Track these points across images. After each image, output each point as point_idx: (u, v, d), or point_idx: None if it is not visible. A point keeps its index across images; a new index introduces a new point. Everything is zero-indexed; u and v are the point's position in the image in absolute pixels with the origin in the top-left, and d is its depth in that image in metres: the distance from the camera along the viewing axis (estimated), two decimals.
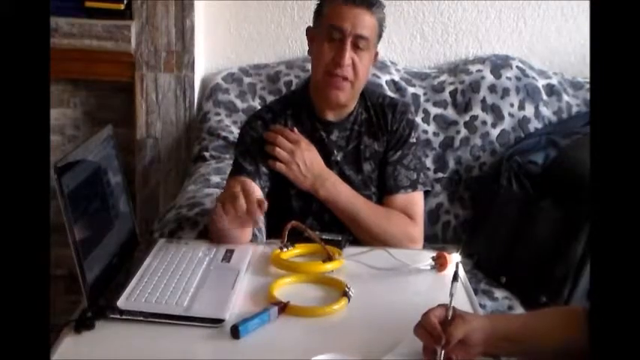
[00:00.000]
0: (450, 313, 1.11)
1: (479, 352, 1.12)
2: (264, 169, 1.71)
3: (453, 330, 1.09)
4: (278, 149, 1.68)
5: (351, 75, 1.67)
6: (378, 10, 1.68)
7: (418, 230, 1.74)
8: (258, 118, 1.79)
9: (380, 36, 1.73)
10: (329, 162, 1.75)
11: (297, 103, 1.78)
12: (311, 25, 1.76)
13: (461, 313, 1.13)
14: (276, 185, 1.73)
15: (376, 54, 1.75)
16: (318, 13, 1.72)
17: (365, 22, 1.66)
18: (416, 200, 1.76)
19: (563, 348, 1.12)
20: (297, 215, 1.70)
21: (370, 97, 1.81)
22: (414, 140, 1.79)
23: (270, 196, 1.73)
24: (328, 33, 1.67)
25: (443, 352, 1.08)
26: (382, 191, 1.76)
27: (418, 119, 2.41)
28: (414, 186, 1.76)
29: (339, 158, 1.76)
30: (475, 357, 1.12)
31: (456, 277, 1.18)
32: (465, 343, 1.10)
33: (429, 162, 2.39)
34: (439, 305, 1.14)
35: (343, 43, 1.65)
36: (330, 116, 1.76)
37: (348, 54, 1.65)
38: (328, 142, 1.76)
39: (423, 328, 1.11)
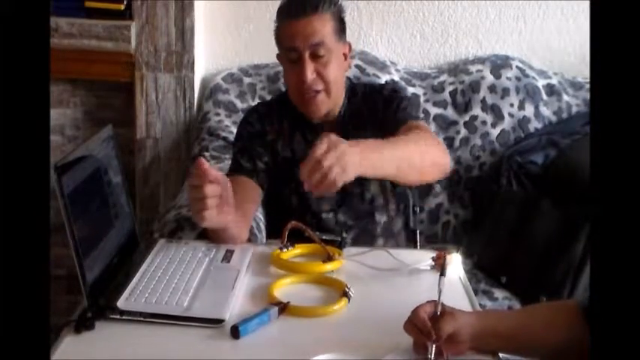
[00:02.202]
0: (439, 308, 1.12)
1: (468, 348, 1.13)
2: (261, 166, 1.70)
3: (442, 325, 1.10)
4: (307, 172, 1.33)
5: (321, 85, 1.65)
6: (326, 6, 1.64)
7: (434, 138, 1.64)
8: (255, 112, 1.79)
9: (342, 27, 1.70)
10: None
11: (287, 105, 1.76)
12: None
13: (450, 309, 1.13)
14: (273, 183, 1.72)
15: (349, 46, 1.73)
16: (276, 37, 1.71)
17: (315, 28, 1.62)
18: (425, 126, 1.71)
19: (557, 343, 1.13)
20: (295, 212, 1.69)
21: (356, 88, 1.79)
22: (405, 94, 1.79)
23: (269, 194, 1.73)
24: (286, 56, 1.67)
25: (434, 347, 1.08)
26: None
27: None
28: (417, 117, 1.74)
29: None
30: (464, 352, 1.13)
31: (443, 272, 1.20)
32: (454, 338, 1.11)
33: None
34: (428, 301, 1.14)
35: (301, 60, 1.63)
36: (316, 120, 1.74)
37: (309, 70, 1.62)
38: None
39: (413, 323, 1.11)
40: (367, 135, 1.71)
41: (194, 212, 1.39)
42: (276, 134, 1.75)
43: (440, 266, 1.45)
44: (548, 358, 1.18)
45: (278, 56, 1.75)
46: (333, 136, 1.34)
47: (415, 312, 1.12)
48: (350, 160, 1.32)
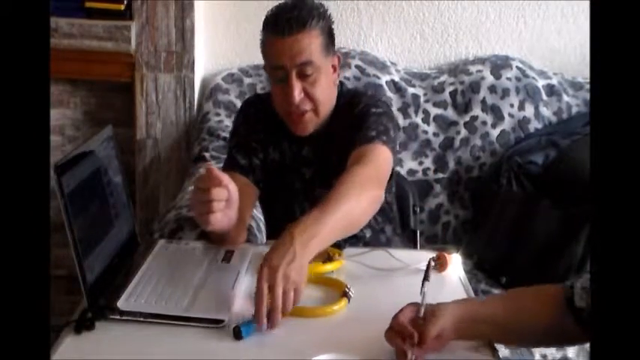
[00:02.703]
0: (422, 310, 1.12)
1: (451, 339, 1.13)
2: (257, 163, 1.68)
3: (429, 327, 1.10)
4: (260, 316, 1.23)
5: (309, 105, 1.60)
6: (314, 22, 1.56)
7: (372, 173, 1.51)
8: (251, 105, 1.77)
9: (331, 40, 1.63)
10: (301, 177, 1.72)
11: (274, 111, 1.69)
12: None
13: (431, 309, 1.13)
14: (265, 186, 1.71)
15: (338, 57, 1.66)
16: (262, 51, 1.64)
17: (302, 47, 1.55)
18: (376, 148, 1.56)
19: (537, 328, 1.14)
20: (283, 217, 1.66)
21: (340, 99, 1.72)
22: (378, 111, 1.65)
23: (262, 196, 1.72)
24: (272, 74, 1.61)
25: (414, 350, 1.08)
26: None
27: (418, 119, 2.42)
28: (372, 139, 1.57)
29: (307, 176, 1.72)
30: (446, 343, 1.13)
31: (427, 277, 1.21)
32: (439, 336, 1.11)
33: (428, 162, 2.40)
34: (408, 305, 1.15)
35: (288, 80, 1.56)
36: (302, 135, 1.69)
37: (297, 90, 1.56)
38: (299, 156, 1.72)
39: (393, 330, 1.12)
40: (341, 153, 1.62)
41: (198, 214, 1.39)
42: (268, 135, 1.72)
43: (441, 266, 1.46)
44: (528, 343, 1.19)
45: (265, 68, 1.68)
46: (265, 270, 1.22)
47: (395, 318, 1.13)
48: (297, 272, 1.23)
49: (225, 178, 1.35)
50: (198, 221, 1.44)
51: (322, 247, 1.34)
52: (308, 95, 1.59)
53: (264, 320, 1.20)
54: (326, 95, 1.63)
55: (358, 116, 1.65)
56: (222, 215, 1.37)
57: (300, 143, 1.71)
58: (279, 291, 1.20)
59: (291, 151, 1.72)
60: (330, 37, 1.63)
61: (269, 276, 1.22)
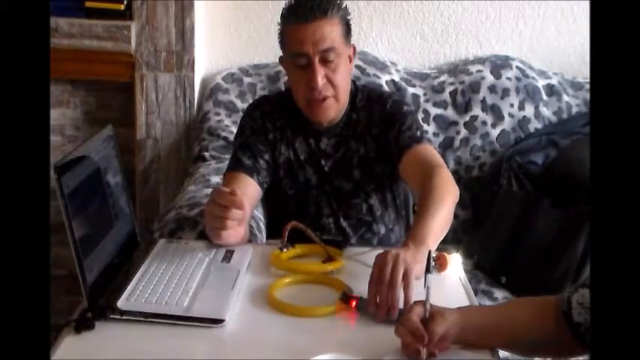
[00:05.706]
0: (428, 307, 1.13)
1: (451, 344, 1.14)
2: (262, 164, 1.69)
3: (435, 327, 1.11)
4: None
5: (331, 91, 1.63)
6: (335, 10, 1.61)
7: (449, 174, 1.60)
8: (257, 108, 1.78)
9: (349, 31, 1.67)
10: (319, 171, 1.73)
11: (290, 106, 1.73)
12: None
13: (438, 309, 1.14)
14: (273, 184, 1.72)
15: (354, 48, 1.71)
16: (282, 41, 1.67)
17: (325, 33, 1.59)
18: (430, 149, 1.69)
19: (533, 339, 1.15)
20: (294, 215, 1.68)
21: (359, 94, 1.76)
22: (408, 109, 1.74)
23: (268, 195, 1.73)
24: (294, 61, 1.63)
25: (425, 349, 1.09)
26: (394, 161, 1.68)
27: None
28: (421, 139, 1.69)
29: (326, 169, 1.74)
30: (448, 348, 1.14)
31: (428, 269, 1.22)
32: (443, 337, 1.12)
33: None
34: (416, 302, 1.16)
35: (311, 65, 1.60)
36: (319, 125, 1.73)
37: (320, 76, 1.60)
38: (317, 149, 1.74)
39: (405, 327, 1.12)
40: (365, 147, 1.72)
41: (210, 227, 1.44)
42: (278, 134, 1.74)
43: (441, 266, 1.46)
44: (525, 353, 1.20)
45: (281, 59, 1.72)
46: (379, 255, 1.29)
47: (407, 316, 1.13)
48: (409, 256, 1.29)
49: (245, 201, 1.39)
50: (208, 233, 1.48)
51: (435, 243, 1.40)
52: (329, 81, 1.63)
53: (376, 300, 1.25)
54: (345, 83, 1.67)
55: (391, 114, 1.72)
56: (234, 231, 1.42)
57: (318, 136, 1.74)
58: (389, 268, 1.25)
59: (307, 145, 1.73)
60: (347, 27, 1.67)
61: (381, 258, 1.28)
